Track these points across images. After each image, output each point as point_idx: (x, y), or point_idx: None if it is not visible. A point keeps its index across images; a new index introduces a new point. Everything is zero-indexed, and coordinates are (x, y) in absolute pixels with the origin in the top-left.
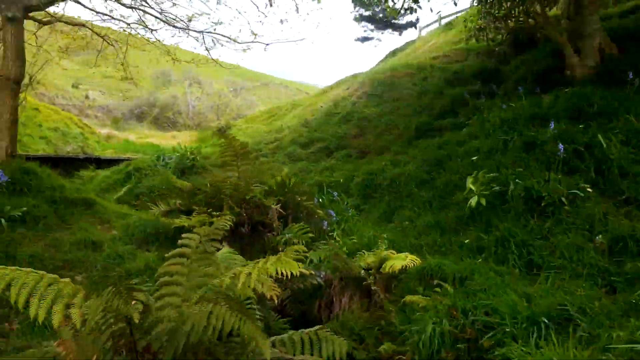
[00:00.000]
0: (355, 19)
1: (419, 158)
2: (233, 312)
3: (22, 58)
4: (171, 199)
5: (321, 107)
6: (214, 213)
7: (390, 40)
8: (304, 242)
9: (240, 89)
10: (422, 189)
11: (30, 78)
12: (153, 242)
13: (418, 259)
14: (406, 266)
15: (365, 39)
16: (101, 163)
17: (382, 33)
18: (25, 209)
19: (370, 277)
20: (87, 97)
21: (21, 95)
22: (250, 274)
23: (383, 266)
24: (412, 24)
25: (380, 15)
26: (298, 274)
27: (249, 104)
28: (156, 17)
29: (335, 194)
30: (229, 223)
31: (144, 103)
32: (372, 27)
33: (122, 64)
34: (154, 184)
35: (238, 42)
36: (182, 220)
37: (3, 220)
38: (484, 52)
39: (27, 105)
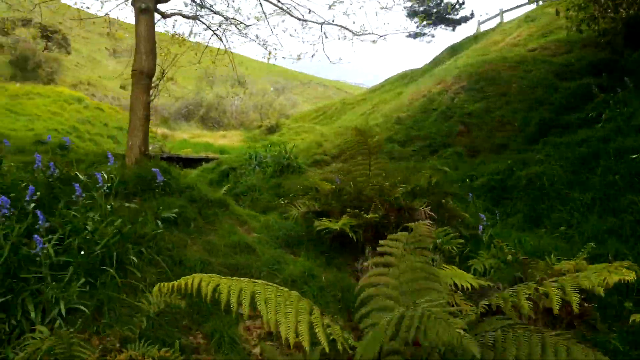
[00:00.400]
0: (408, 15)
1: (555, 157)
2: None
3: (154, 51)
4: (308, 201)
5: (409, 102)
6: (366, 215)
7: (442, 37)
8: (454, 248)
9: (282, 88)
10: (574, 190)
11: (163, 72)
12: (297, 245)
13: (632, 272)
14: (626, 281)
15: (417, 35)
16: (183, 162)
17: (434, 29)
18: (176, 210)
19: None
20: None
21: (153, 91)
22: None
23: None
24: (465, 19)
25: (434, 10)
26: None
27: (292, 103)
28: (280, 7)
29: (471, 195)
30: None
31: (191, 103)
32: (424, 22)
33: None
34: (253, 183)
35: (359, 34)
36: (329, 223)
37: (160, 223)
38: (590, 43)
39: (90, 105)
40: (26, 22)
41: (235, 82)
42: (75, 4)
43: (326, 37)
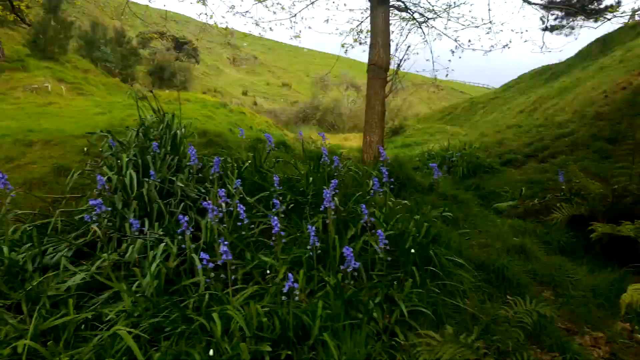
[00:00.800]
0: (544, 7)
1: None
2: None
3: (389, 44)
4: (568, 203)
5: (605, 96)
6: None
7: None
8: None
9: (396, 89)
10: None
11: (399, 65)
12: (573, 252)
13: None
14: None
15: (554, 28)
16: None
17: (572, 20)
18: (441, 208)
19: None
20: (255, 103)
21: (388, 86)
22: None
23: None
24: (606, 8)
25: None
26: None
27: (408, 105)
28: None
29: None
30: None
31: (307, 107)
32: (562, 14)
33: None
34: (446, 183)
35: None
36: (608, 228)
37: (437, 222)
38: None
39: (235, 109)
40: (161, 35)
41: (349, 85)
42: (272, 5)
43: (543, 23)
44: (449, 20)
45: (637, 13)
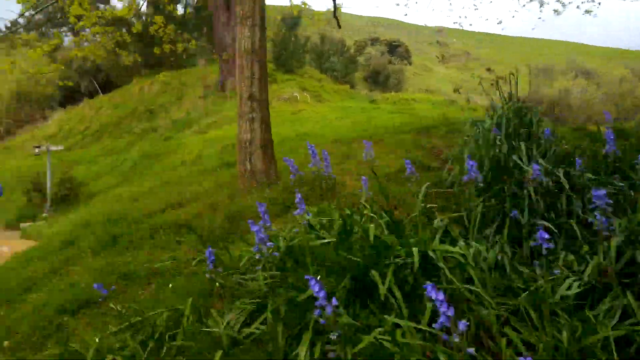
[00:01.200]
0: None
1: None
2: None
3: None
4: None
5: None
6: None
7: None
8: None
9: None
10: None
11: None
12: None
13: None
14: None
15: None
16: None
17: None
18: None
19: None
20: (468, 100)
21: None
22: None
23: None
24: None
25: None
26: None
27: None
28: None
29: None
30: None
31: (530, 100)
32: None
33: None
34: None
35: None
36: None
37: None
38: None
39: (464, 106)
40: (374, 41)
41: (579, 73)
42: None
43: None
44: None
45: None
